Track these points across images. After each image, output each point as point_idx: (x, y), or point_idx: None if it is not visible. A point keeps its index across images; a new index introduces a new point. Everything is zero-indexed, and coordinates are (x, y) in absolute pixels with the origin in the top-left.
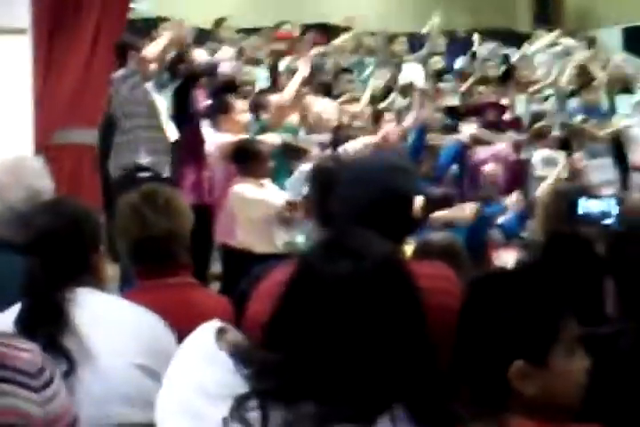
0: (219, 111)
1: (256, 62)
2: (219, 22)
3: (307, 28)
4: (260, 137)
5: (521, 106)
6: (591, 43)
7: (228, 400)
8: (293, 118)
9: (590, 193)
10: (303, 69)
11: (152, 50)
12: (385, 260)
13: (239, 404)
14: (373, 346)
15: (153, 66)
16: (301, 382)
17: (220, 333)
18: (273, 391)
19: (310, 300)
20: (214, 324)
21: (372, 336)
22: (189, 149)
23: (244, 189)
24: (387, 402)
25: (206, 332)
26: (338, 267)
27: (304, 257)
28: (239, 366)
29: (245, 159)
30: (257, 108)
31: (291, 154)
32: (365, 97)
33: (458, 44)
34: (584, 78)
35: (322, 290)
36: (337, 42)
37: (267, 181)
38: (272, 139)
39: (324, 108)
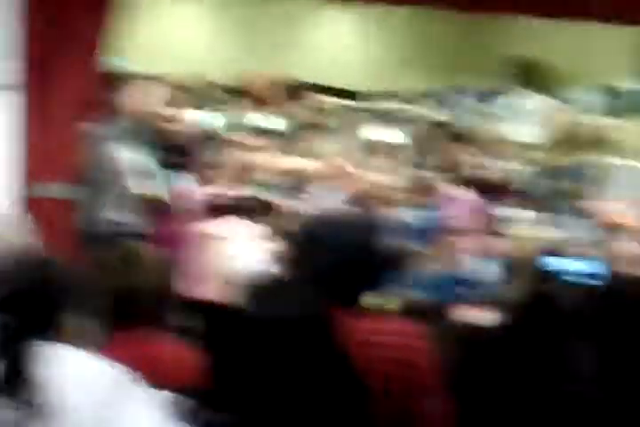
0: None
1: None
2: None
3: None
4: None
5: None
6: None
7: None
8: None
9: (564, 252)
10: None
11: (134, 103)
12: (309, 313)
13: None
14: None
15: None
16: None
17: (174, 402)
18: None
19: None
20: (162, 394)
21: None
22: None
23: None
24: None
25: (155, 402)
26: (262, 315)
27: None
28: None
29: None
30: None
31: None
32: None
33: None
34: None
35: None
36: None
37: None
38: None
39: None
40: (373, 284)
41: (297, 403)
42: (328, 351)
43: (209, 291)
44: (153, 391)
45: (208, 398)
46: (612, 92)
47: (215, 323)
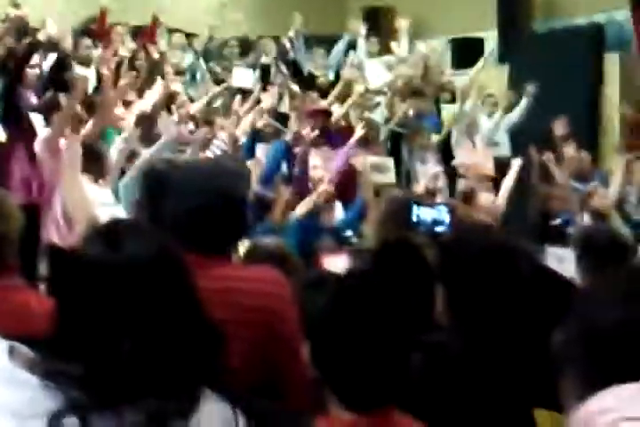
0: (52, 109)
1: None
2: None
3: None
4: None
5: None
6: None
7: (41, 418)
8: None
9: (422, 201)
10: None
11: None
12: (160, 249)
13: (56, 419)
14: (157, 338)
15: None
16: (112, 391)
17: (12, 351)
18: (89, 403)
19: (83, 294)
20: (3, 342)
21: (150, 328)
22: (18, 146)
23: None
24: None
25: None
26: (124, 251)
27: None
28: (43, 382)
29: (85, 158)
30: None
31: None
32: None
33: (283, 50)
34: (412, 88)
35: (108, 275)
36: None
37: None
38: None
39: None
40: (234, 231)
41: (143, 350)
42: (177, 297)
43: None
44: None
45: (55, 347)
46: (460, 43)
47: (59, 268)
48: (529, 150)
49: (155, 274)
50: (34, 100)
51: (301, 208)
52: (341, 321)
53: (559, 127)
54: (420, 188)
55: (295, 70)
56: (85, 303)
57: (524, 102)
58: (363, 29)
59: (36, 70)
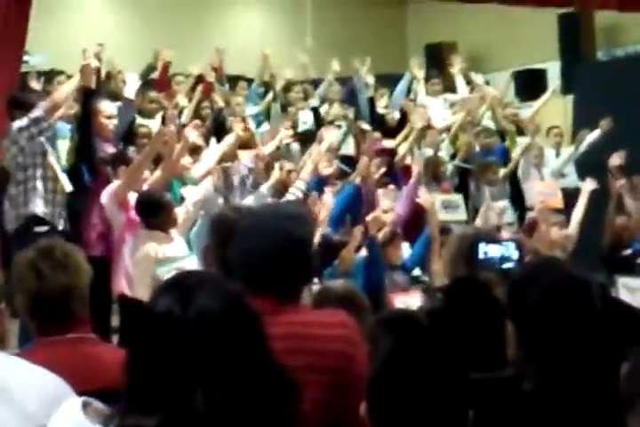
0: (119, 162)
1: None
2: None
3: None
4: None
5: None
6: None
7: None
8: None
9: (490, 237)
10: None
11: (61, 94)
12: (230, 301)
13: None
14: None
15: (60, 112)
16: None
17: (86, 406)
18: None
19: (155, 345)
20: (77, 399)
21: (226, 377)
22: (96, 200)
23: (152, 248)
24: None
25: (72, 408)
26: (194, 306)
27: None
28: None
29: (152, 211)
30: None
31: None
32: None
33: (350, 90)
34: (475, 124)
35: (179, 330)
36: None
37: (174, 232)
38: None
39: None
40: (301, 274)
41: (216, 402)
42: (249, 349)
43: (140, 291)
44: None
45: (128, 400)
46: (524, 75)
47: (131, 320)
48: (606, 179)
49: (225, 328)
50: (111, 150)
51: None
52: (406, 365)
53: (616, 159)
54: (485, 222)
55: (371, 110)
56: (156, 357)
57: (595, 135)
58: (420, 73)
59: (114, 121)
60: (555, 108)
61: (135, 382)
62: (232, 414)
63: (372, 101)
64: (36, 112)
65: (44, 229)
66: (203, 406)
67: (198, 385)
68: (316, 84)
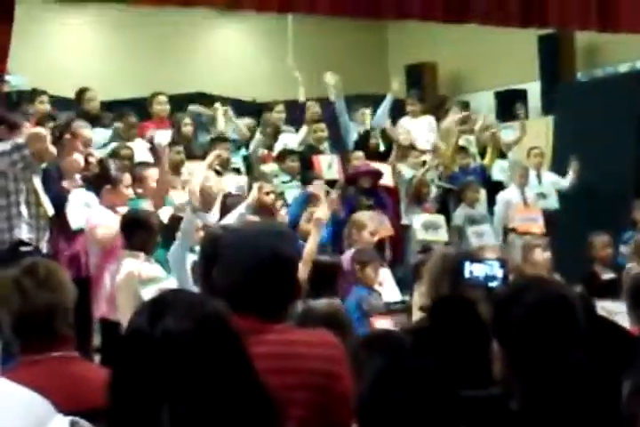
0: (103, 181)
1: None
2: (80, 93)
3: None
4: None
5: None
6: (464, 107)
7: None
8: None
9: (474, 257)
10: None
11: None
12: (209, 318)
13: None
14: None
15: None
16: None
17: (74, 426)
18: None
19: (141, 362)
20: (64, 419)
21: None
22: (64, 224)
23: (138, 267)
24: None
25: None
26: (160, 325)
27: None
28: None
29: (135, 232)
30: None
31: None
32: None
33: (331, 112)
34: (455, 145)
35: (146, 349)
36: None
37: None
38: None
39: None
40: (291, 293)
41: (185, 419)
42: (219, 368)
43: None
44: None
45: (110, 418)
46: (504, 95)
47: (110, 340)
48: None
49: (193, 346)
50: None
51: None
52: (395, 382)
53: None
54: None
55: (363, 143)
56: (129, 374)
57: (571, 175)
58: (402, 94)
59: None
60: (535, 128)
61: (114, 400)
62: None
63: (367, 135)
64: (20, 139)
65: (28, 248)
66: (169, 423)
67: (165, 402)
68: (298, 105)
